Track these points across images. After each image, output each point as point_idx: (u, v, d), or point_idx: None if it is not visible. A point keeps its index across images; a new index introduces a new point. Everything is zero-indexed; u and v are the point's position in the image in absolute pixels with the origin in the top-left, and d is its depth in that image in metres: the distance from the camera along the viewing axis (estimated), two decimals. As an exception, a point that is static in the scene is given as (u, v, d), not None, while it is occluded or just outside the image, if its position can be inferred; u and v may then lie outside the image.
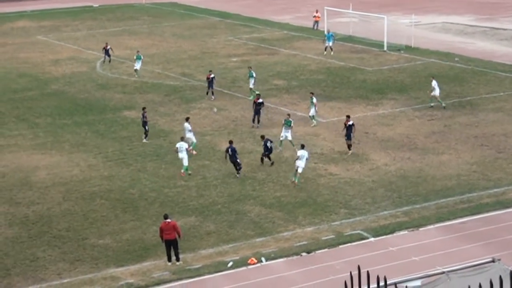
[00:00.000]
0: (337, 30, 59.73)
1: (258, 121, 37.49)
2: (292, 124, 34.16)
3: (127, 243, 25.33)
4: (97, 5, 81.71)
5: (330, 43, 54.37)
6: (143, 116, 35.87)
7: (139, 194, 29.46)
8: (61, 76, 49.97)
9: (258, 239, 25.39)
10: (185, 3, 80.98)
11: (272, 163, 31.93)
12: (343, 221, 26.68)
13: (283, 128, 34.18)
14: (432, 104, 40.23)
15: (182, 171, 31.19)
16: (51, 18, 74.09)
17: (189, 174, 31.11)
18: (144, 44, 58.58)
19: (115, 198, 29.19)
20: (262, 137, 32.38)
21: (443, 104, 40.10)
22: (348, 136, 33.02)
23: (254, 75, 43.08)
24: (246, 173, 31.29)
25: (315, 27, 64.39)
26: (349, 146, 33.09)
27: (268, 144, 31.86)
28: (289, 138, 34.03)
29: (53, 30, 67.27)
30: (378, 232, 25.73)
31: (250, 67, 44.43)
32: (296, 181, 29.93)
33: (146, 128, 35.84)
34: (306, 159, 30.10)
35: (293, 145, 33.66)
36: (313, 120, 37.45)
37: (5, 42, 62.32)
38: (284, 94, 43.90)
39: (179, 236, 23.77)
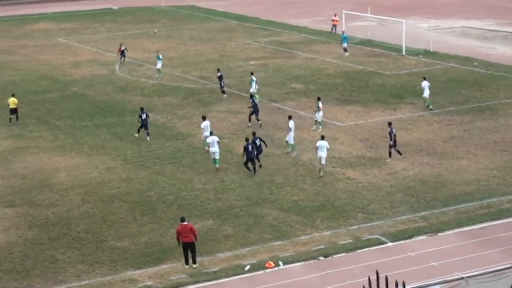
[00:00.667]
0: (356, 33, 59.69)
1: (250, 120, 38.19)
2: (291, 127, 34.04)
3: (145, 246, 25.44)
4: (116, 8, 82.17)
5: (345, 45, 54.47)
6: (147, 115, 36.23)
7: (157, 197, 29.58)
8: (81, 78, 50.32)
9: (275, 243, 25.40)
10: (203, 6, 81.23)
11: (260, 166, 31.85)
12: (361, 225, 26.63)
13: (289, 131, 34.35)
14: (431, 107, 40.20)
15: (217, 166, 31.65)
16: (71, 20, 74.63)
17: (217, 170, 31.55)
18: (163, 47, 58.78)
19: (134, 200, 29.33)
20: (254, 134, 32.64)
21: (428, 105, 40.35)
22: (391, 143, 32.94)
23: (254, 79, 43.26)
24: (264, 176, 31.33)
25: (333, 31, 64.30)
26: (398, 152, 32.79)
27: (257, 141, 31.82)
28: (288, 140, 34.06)
29: (74, 33, 67.74)
30: (396, 237, 25.64)
31: (252, 73, 44.57)
32: (322, 174, 30.62)
33: (148, 126, 36.25)
34: (327, 148, 30.87)
35: (291, 148, 33.94)
36: (316, 125, 37.50)
37: (26, 44, 62.85)
38: (302, 98, 43.90)
39: (195, 239, 23.85)
